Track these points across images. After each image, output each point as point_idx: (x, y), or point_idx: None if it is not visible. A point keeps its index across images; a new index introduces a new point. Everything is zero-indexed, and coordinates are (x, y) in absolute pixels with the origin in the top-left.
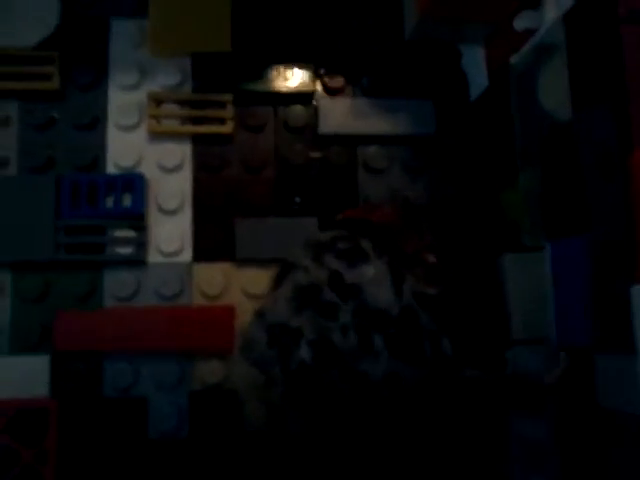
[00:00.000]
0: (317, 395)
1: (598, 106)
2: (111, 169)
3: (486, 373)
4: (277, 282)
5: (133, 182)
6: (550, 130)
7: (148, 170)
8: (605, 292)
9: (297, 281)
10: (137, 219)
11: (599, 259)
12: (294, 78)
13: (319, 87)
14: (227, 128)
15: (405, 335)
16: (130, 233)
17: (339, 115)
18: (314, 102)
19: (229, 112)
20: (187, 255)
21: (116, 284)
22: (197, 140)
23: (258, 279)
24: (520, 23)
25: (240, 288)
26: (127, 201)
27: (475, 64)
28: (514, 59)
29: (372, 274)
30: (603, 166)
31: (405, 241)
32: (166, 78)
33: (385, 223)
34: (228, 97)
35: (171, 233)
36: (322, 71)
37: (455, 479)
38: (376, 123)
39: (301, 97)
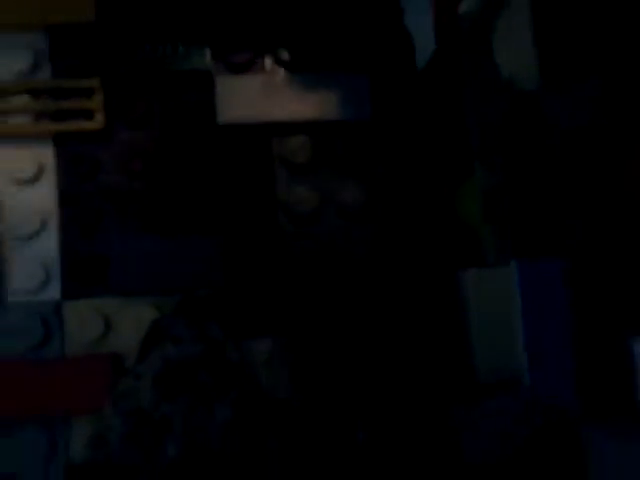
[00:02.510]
0: None
1: (576, 75)
2: None
3: None
4: (142, 353)
5: None
6: (512, 104)
7: None
8: (594, 341)
9: (166, 355)
10: None
11: (583, 294)
12: (184, 54)
13: (218, 64)
14: (97, 122)
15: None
16: None
17: (246, 98)
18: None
19: (97, 102)
20: (54, 291)
21: None
22: (60, 141)
23: (149, 316)
24: None
25: (126, 329)
26: None
27: (422, 22)
28: (463, 7)
29: (267, 350)
30: (585, 159)
31: None
32: (14, 61)
33: None
34: (95, 82)
35: (31, 264)
36: (222, 44)
37: None
38: (296, 107)
39: (194, 77)
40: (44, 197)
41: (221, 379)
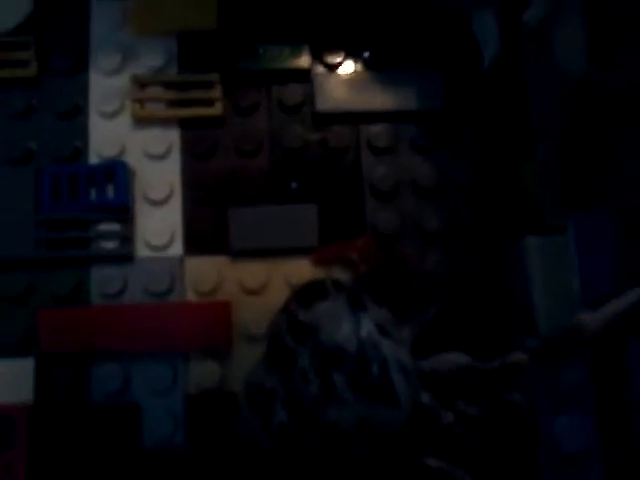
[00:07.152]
0: (299, 460)
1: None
2: (94, 159)
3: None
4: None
5: (115, 171)
6: (568, 88)
7: (133, 158)
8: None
9: (268, 335)
10: (122, 211)
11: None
12: (288, 54)
13: (316, 63)
14: (216, 110)
15: (368, 371)
16: (115, 227)
17: (338, 91)
18: (311, 79)
19: (217, 93)
20: (177, 248)
21: (102, 281)
22: (185, 125)
23: (255, 272)
24: None
25: (236, 282)
26: (111, 193)
27: (487, 28)
28: (527, 15)
29: (326, 309)
30: (628, 119)
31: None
32: (150, 59)
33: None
34: (215, 77)
35: (159, 225)
36: (319, 46)
37: None
38: (380, 98)
39: (296, 74)
40: (171, 171)
41: (298, 337)
